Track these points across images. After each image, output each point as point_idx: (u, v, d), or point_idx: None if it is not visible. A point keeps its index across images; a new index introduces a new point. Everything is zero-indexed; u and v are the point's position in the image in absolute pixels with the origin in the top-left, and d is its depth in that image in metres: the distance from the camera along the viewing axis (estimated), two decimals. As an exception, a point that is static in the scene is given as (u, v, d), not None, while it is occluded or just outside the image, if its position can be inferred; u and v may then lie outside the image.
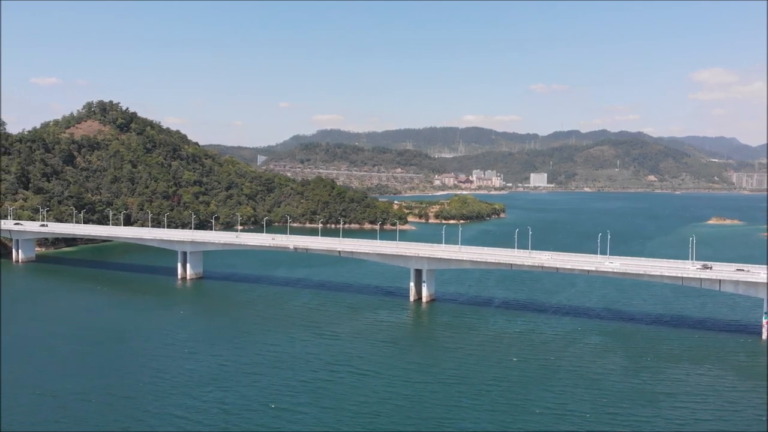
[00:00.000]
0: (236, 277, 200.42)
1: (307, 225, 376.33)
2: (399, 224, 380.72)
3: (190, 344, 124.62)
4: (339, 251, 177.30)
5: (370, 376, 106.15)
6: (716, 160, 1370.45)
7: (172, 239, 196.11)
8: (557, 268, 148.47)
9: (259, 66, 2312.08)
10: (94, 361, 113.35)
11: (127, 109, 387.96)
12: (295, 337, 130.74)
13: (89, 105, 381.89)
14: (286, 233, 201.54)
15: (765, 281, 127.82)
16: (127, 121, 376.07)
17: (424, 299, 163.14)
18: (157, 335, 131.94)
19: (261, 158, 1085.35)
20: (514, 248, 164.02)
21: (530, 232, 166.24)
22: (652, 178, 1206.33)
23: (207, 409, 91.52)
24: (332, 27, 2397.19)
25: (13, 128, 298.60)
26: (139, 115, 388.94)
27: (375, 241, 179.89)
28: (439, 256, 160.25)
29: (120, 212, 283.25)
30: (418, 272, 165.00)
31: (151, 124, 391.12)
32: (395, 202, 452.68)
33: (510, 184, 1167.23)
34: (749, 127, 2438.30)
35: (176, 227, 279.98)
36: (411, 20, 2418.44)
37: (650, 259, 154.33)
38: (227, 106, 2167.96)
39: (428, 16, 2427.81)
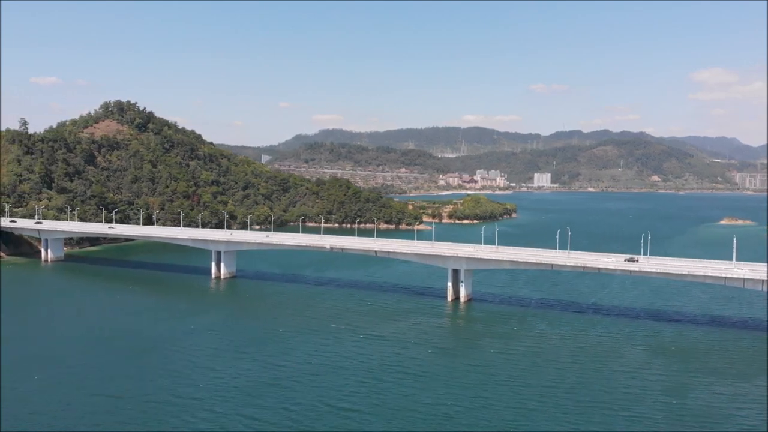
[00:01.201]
0: (269, 276, 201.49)
1: (323, 225, 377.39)
2: (414, 224, 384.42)
3: (240, 345, 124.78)
4: (376, 251, 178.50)
5: (428, 378, 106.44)
6: (719, 161, 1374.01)
7: (206, 239, 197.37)
8: (599, 269, 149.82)
9: (259, 66, 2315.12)
10: (148, 362, 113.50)
11: (144, 108, 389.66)
12: (341, 338, 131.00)
13: (106, 105, 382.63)
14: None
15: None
16: (144, 121, 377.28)
17: (461, 299, 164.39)
18: (204, 335, 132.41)
19: (265, 158, 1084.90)
20: (545, 248, 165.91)
21: (569, 233, 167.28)
22: (655, 178, 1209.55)
23: (273, 410, 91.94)
24: (332, 27, 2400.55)
25: (15, 127, 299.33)
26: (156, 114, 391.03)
27: (411, 241, 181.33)
28: (479, 256, 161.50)
29: (152, 212, 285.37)
30: (455, 272, 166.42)
31: (168, 124, 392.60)
32: (410, 202, 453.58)
33: (514, 184, 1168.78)
34: (750, 128, 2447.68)
35: (197, 227, 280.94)
36: (411, 20, 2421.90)
37: (682, 258, 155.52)
38: (227, 106, 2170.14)
39: (428, 16, 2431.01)
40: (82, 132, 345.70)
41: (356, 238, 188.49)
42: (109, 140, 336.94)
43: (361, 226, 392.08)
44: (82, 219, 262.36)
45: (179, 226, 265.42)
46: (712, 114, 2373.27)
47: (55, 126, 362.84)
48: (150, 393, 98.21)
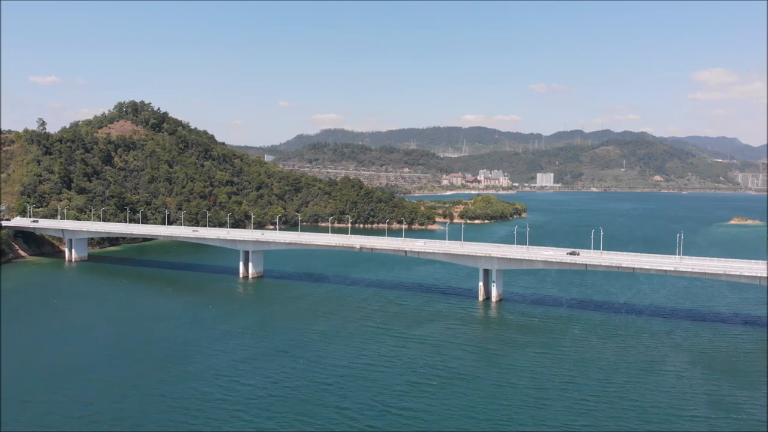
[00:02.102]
0: (295, 276, 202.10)
1: (336, 225, 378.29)
2: (427, 224, 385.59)
3: (283, 346, 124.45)
4: (406, 251, 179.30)
5: (477, 379, 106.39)
6: (720, 160, 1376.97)
7: (235, 239, 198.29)
8: (633, 268, 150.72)
9: (258, 65, 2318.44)
10: (195, 364, 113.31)
11: (159, 109, 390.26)
12: (379, 339, 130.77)
13: (120, 105, 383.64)
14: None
15: None
16: (158, 122, 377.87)
17: (493, 299, 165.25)
18: (245, 337, 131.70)
19: (268, 158, 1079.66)
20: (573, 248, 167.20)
21: (602, 233, 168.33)
22: (658, 178, 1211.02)
23: (329, 410, 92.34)
24: (331, 27, 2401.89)
25: (17, 127, 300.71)
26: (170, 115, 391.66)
27: (442, 241, 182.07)
28: (511, 256, 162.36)
29: (170, 212, 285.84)
30: (486, 272, 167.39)
31: (182, 124, 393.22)
32: (421, 202, 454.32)
33: (516, 184, 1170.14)
34: (749, 128, 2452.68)
35: (213, 227, 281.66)
36: (410, 20, 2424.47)
37: (713, 258, 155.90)
38: (226, 105, 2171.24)
39: (427, 16, 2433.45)
40: (97, 132, 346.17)
41: (386, 238, 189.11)
42: (125, 140, 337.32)
43: (374, 226, 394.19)
44: (103, 219, 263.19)
45: (196, 226, 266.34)
46: (711, 114, 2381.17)
47: (67, 126, 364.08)
48: (203, 394, 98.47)
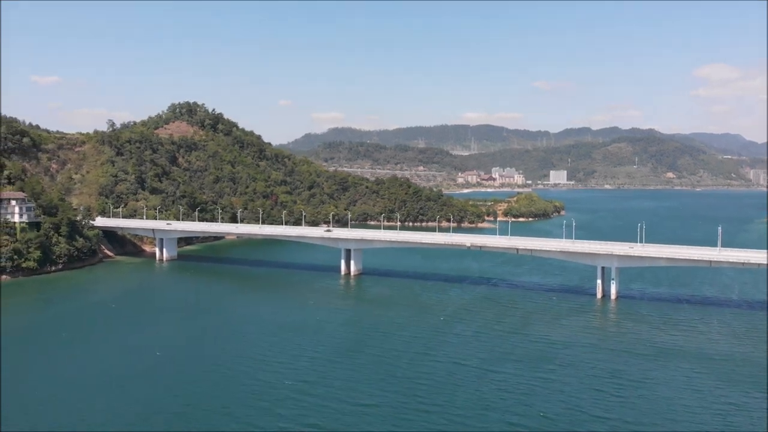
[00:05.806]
0: (393, 273, 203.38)
1: (386, 223, 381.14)
2: (477, 222, 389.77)
3: (449, 352, 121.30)
4: (518, 249, 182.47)
5: (657, 386, 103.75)
6: (730, 157, 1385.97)
7: (338, 237, 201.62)
8: (759, 264, 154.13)
9: (258, 64, 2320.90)
10: (388, 368, 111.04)
11: (213, 110, 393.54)
12: (524, 343, 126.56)
13: (174, 106, 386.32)
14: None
15: None
16: (213, 122, 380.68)
17: (612, 297, 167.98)
18: (409, 340, 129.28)
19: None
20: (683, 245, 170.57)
21: (720, 229, 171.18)
22: (670, 175, 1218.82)
23: (532, 416, 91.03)
24: (330, 26, 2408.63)
25: (65, 128, 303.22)
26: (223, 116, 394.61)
27: (558, 240, 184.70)
28: (633, 254, 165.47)
29: (236, 211, 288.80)
30: (603, 270, 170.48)
31: (236, 125, 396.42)
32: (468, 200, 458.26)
33: (530, 182, 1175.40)
34: (752, 124, 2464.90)
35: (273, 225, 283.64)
36: (410, 18, 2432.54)
37: None
38: (227, 105, 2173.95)
39: (427, 13, 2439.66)
40: (154, 133, 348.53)
41: (495, 236, 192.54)
42: (187, 141, 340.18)
43: (423, 224, 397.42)
44: (176, 218, 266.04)
45: (262, 224, 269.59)
46: (713, 111, 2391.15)
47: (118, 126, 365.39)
48: (425, 398, 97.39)
